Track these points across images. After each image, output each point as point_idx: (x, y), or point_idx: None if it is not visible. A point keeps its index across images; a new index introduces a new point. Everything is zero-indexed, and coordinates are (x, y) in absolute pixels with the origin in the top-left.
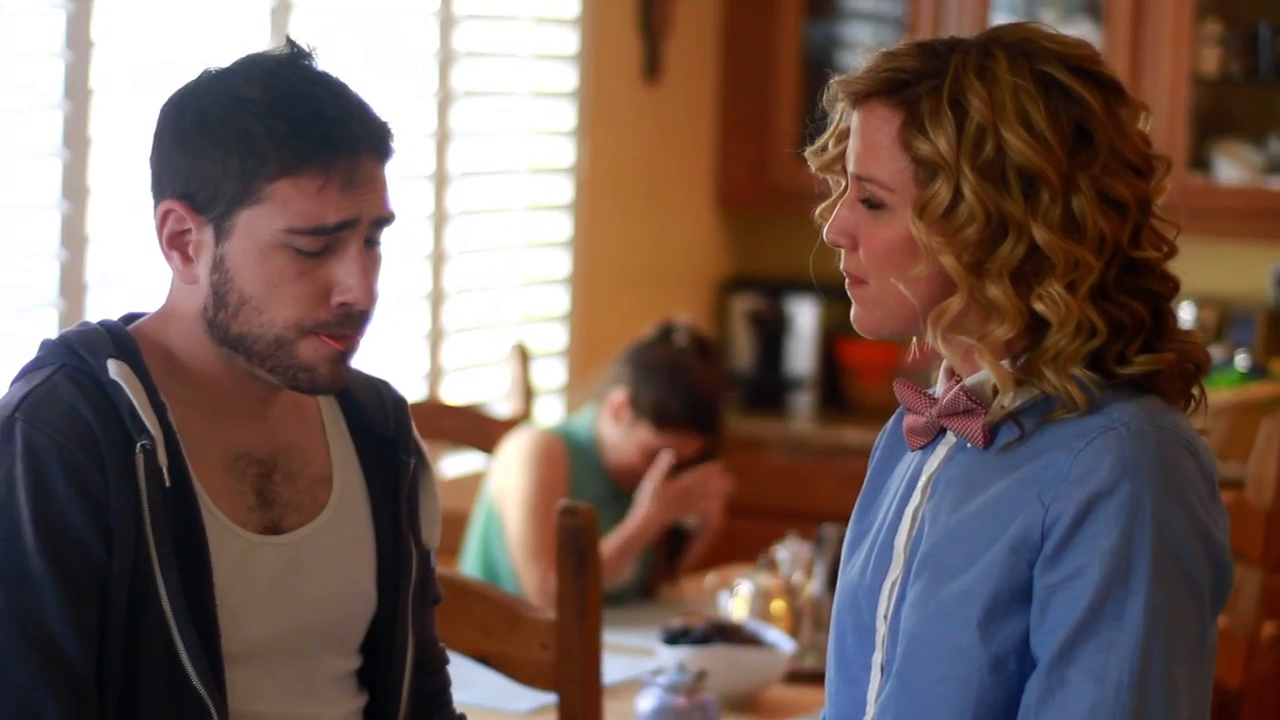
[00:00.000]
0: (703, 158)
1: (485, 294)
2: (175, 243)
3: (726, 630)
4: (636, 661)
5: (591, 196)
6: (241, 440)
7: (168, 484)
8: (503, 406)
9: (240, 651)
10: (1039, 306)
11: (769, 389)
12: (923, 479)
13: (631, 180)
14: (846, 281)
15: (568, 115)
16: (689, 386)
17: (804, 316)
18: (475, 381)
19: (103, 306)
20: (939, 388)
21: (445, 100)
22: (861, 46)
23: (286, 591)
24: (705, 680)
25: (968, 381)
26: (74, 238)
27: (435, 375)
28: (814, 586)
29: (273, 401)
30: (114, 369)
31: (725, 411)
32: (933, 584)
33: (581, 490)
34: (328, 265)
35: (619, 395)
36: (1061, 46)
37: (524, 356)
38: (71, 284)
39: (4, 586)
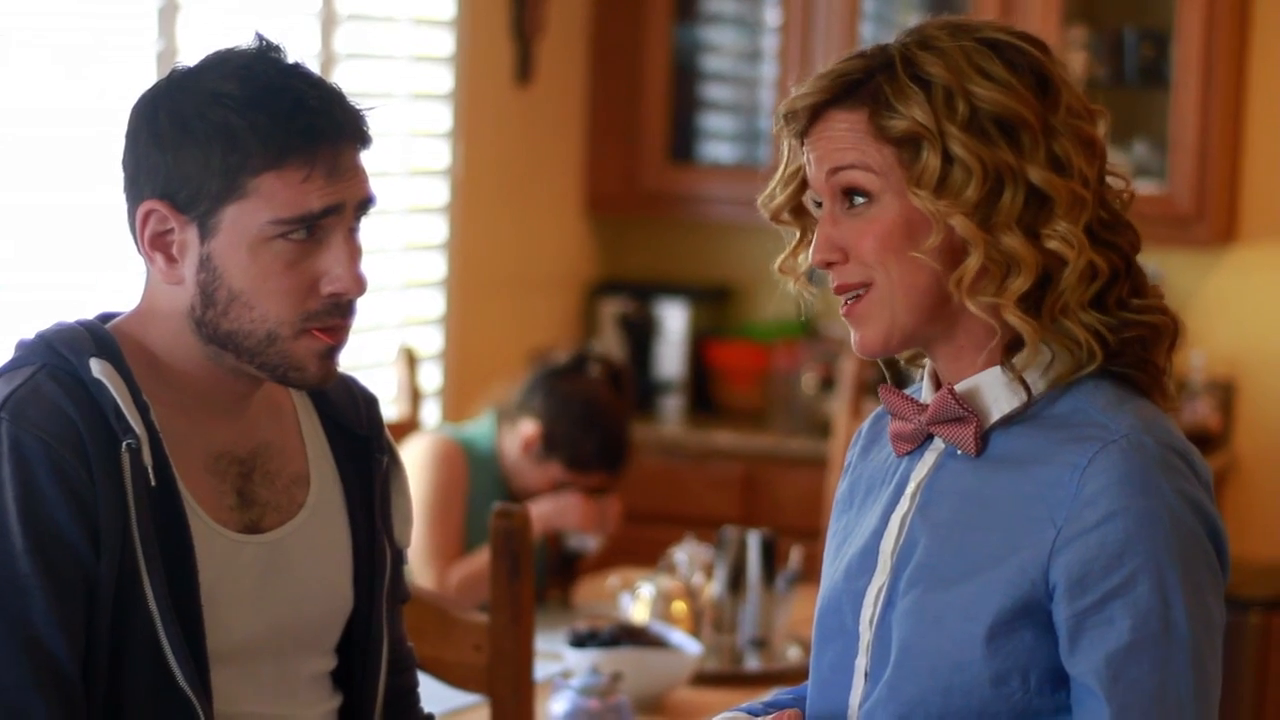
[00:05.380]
0: (572, 160)
1: (365, 296)
2: (158, 244)
3: (633, 633)
4: (541, 665)
5: (467, 199)
6: (222, 439)
7: (153, 484)
8: (389, 410)
9: (224, 652)
10: (1051, 245)
11: (639, 392)
12: (911, 485)
13: (504, 183)
14: (843, 307)
15: (444, 117)
16: (603, 428)
17: (673, 320)
18: None
19: None
20: (924, 393)
21: None
22: (725, 50)
23: (268, 591)
24: (620, 683)
25: (959, 388)
26: None
27: None
28: (714, 588)
29: (251, 400)
30: (97, 368)
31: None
32: (929, 594)
33: (479, 497)
34: (315, 256)
35: (530, 428)
36: (987, 23)
37: (411, 360)
38: None
39: None
